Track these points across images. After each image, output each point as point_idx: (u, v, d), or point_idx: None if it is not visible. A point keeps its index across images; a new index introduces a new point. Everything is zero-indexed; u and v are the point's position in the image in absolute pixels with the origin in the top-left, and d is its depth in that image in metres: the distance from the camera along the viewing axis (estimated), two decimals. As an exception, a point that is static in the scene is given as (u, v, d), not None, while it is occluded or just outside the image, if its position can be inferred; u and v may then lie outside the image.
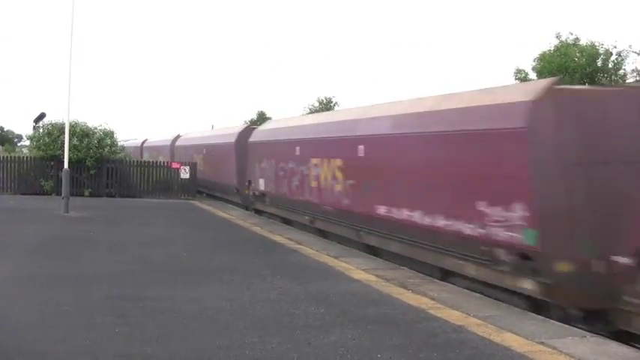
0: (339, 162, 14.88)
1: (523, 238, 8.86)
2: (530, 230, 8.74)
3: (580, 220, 8.49)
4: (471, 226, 9.93)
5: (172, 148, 35.69)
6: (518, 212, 8.93)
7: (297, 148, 17.68)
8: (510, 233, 9.11)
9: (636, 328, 8.01)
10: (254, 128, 24.05)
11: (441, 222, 10.76)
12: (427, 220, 11.15)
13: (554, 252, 8.56)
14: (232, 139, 24.61)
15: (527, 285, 8.95)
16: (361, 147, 13.84)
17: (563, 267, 8.49)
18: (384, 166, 12.85)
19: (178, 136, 36.67)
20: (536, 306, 8.92)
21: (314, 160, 16.41)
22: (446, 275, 11.03)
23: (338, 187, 14.90)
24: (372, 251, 13.50)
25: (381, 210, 12.74)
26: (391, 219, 12.35)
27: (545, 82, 9.85)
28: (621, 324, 8.24)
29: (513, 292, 9.25)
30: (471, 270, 10.27)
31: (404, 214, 11.90)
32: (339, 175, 14.88)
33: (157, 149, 40.42)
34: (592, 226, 8.36)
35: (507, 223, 9.14)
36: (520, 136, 9.00)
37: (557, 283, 8.54)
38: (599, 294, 8.16)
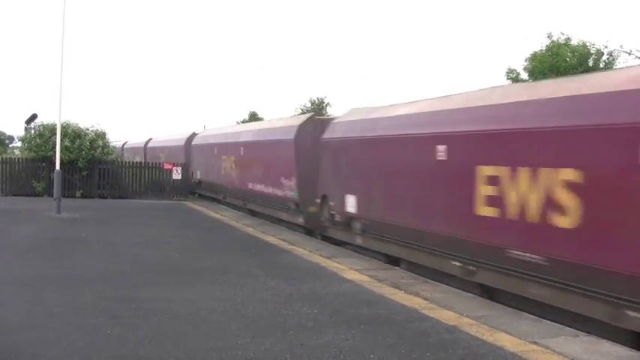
0: (233, 158, 23.78)
1: (295, 195, 17.28)
2: (296, 191, 17.17)
3: (314, 185, 15.98)
4: (279, 190, 18.51)
5: (145, 149, 41.67)
6: (292, 182, 17.43)
7: (215, 149, 26.49)
8: (291, 193, 17.55)
9: (329, 234, 15.50)
10: (197, 134, 32.02)
11: (270, 190, 19.44)
12: (265, 190, 19.99)
13: (306, 202, 16.62)
14: (182, 142, 32.53)
15: (300, 220, 17.29)
16: (242, 148, 22.72)
17: (311, 209, 16.37)
18: (249, 160, 21.94)
19: (150, 139, 42.85)
20: (306, 230, 17.04)
21: (223, 157, 25.17)
22: (279, 222, 19.00)
23: (233, 174, 23.75)
24: (252, 214, 21.75)
25: (250, 186, 21.58)
26: (254, 191, 21.26)
27: (310, 114, 18.41)
28: (325, 233, 15.75)
29: (298, 226, 17.42)
30: (284, 216, 18.61)
31: (257, 187, 20.83)
32: (233, 166, 23.75)
33: (134, 150, 45.06)
34: (317, 187, 15.93)
35: (290, 187, 17.63)
36: (292, 143, 17.44)
37: (309, 218, 16.58)
38: (326, 223, 15.59)
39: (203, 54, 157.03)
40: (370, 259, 12.72)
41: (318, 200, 15.83)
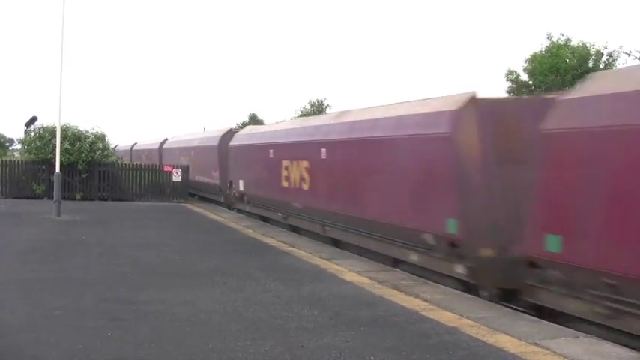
0: (187, 158, 30.75)
1: (218, 182, 26.07)
2: (219, 179, 25.91)
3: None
4: (211, 180, 27.05)
5: (131, 152, 47.73)
6: (217, 173, 26.04)
7: (177, 151, 34.14)
8: (216, 181, 26.21)
9: (235, 206, 23.52)
10: (167, 139, 39.26)
11: (206, 180, 27.79)
12: (204, 180, 28.17)
13: (224, 186, 24.93)
14: (156, 146, 39.95)
15: (222, 199, 25.98)
16: (192, 151, 30.65)
17: (227, 191, 24.67)
18: (196, 159, 29.47)
19: (135, 143, 50.13)
20: (226, 205, 25.00)
21: (181, 158, 31.82)
22: (209, 202, 27.43)
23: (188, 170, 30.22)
24: (201, 198, 29.52)
25: (197, 178, 28.93)
26: (199, 182, 28.99)
27: (229, 128, 27.15)
28: (233, 206, 23.76)
29: (221, 203, 25.76)
30: (213, 197, 27.08)
31: (200, 178, 28.70)
32: (188, 163, 29.86)
33: (123, 153, 49.36)
34: (228, 176, 24.70)
35: (216, 177, 26.10)
36: (216, 148, 26.16)
37: (226, 197, 25.00)
38: (233, 199, 24.04)
39: (203, 57, 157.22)
40: (370, 261, 12.73)
41: (228, 184, 24.22)
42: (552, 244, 8.21)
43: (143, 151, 44.11)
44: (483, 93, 10.67)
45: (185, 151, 31.68)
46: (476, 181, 10.00)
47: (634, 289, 7.10)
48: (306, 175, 16.32)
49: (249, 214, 21.77)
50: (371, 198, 12.94)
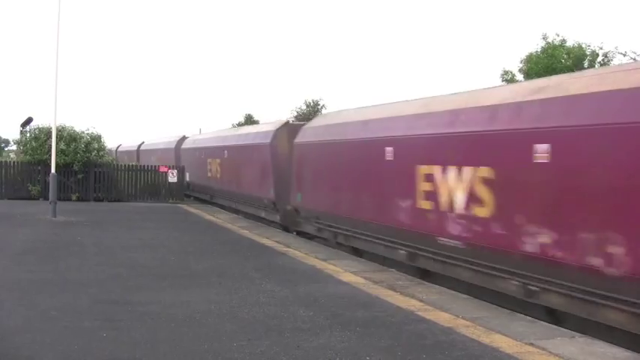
0: (155, 158, 35.41)
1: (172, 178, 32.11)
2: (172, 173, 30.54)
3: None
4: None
5: (116, 153, 51.07)
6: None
7: (149, 153, 39.92)
8: (174, 180, 29.12)
9: (187, 193, 30.90)
10: (144, 142, 45.49)
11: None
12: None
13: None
14: (135, 148, 46.36)
15: None
16: (159, 153, 36.35)
17: None
18: (159, 158, 34.40)
19: (120, 145, 55.50)
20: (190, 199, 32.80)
21: (152, 157, 36.54)
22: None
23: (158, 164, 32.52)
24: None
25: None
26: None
27: (183, 135, 35.30)
28: (186, 193, 30.46)
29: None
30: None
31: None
32: (157, 162, 31.81)
33: (109, 154, 49.68)
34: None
35: (173, 176, 29.30)
36: (173, 149, 34.07)
37: (169, 189, 30.04)
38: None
39: (199, 57, 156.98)
40: (366, 262, 12.75)
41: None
42: (299, 198, 16.78)
43: (125, 152, 50.14)
44: (292, 120, 20.86)
45: (154, 152, 38.73)
46: (283, 169, 18.24)
47: (324, 217, 15.38)
48: (218, 168, 25.34)
49: (193, 198, 30.40)
50: (245, 181, 21.88)
